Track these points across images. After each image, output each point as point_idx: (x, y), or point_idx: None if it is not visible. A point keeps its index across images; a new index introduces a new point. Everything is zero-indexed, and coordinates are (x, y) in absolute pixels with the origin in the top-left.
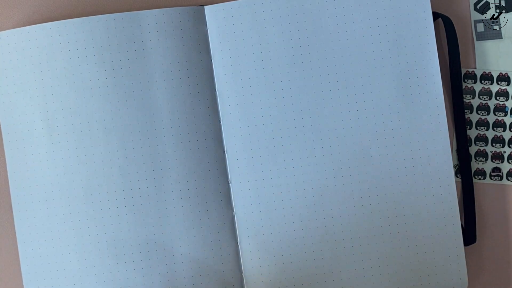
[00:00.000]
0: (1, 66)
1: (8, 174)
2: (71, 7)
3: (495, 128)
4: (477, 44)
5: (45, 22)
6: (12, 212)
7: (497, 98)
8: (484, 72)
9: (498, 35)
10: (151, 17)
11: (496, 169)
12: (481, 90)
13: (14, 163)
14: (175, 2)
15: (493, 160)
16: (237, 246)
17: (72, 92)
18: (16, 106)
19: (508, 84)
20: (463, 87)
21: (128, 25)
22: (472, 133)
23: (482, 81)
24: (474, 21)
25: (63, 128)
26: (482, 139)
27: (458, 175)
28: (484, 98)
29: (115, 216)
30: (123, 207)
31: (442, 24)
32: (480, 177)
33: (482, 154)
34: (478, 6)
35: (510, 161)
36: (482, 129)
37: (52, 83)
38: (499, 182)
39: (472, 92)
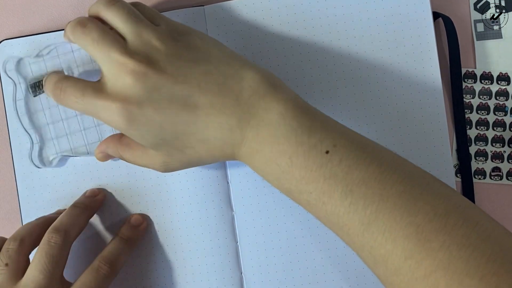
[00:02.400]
0: None
1: None
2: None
3: (495, 128)
4: (477, 44)
5: None
6: None
7: (497, 97)
8: (484, 71)
9: (498, 35)
10: None
11: (496, 169)
12: (481, 89)
13: None
14: (174, 3)
15: (493, 160)
16: (236, 246)
17: None
18: None
19: (508, 84)
20: (463, 86)
21: None
22: (472, 133)
23: (482, 81)
24: (474, 20)
25: None
26: (482, 138)
27: (458, 175)
28: (484, 98)
29: None
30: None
31: (442, 23)
32: (480, 176)
33: (482, 154)
34: (478, 6)
35: (510, 160)
36: (482, 129)
37: None
38: (499, 181)
39: (472, 92)
